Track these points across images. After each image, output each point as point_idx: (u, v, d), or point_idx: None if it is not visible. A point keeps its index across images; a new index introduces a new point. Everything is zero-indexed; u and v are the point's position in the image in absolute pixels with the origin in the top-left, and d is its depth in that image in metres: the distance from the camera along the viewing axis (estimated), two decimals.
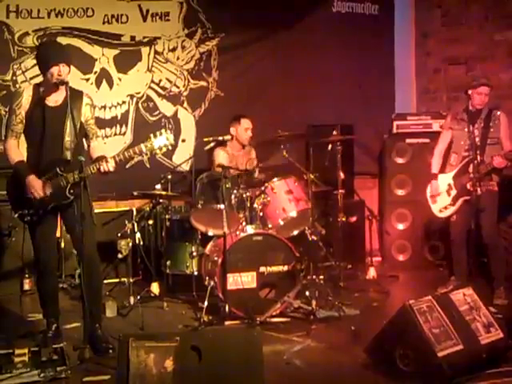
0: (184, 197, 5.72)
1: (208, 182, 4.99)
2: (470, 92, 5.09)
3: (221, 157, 5.58)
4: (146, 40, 6.26)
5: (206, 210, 4.95)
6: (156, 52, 6.31)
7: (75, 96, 4.04)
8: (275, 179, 5.06)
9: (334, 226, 5.75)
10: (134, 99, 6.27)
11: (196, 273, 5.24)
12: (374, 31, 7.11)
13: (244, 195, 4.95)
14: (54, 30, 5.90)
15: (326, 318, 4.67)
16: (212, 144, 5.81)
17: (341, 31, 6.99)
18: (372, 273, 6.02)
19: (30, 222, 4.03)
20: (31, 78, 5.69)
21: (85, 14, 5.99)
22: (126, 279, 5.47)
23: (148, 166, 6.26)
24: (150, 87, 6.33)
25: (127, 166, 5.97)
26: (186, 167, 6.10)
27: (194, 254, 5.22)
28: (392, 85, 7.31)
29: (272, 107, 6.55)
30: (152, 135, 3.99)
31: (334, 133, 5.53)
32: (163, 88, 6.37)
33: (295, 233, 5.15)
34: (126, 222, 5.39)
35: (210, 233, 5.05)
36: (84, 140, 4.18)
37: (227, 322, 4.51)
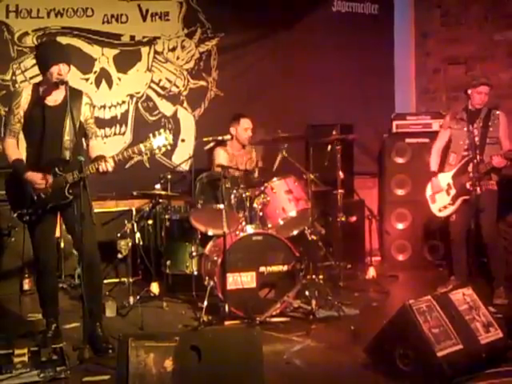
0: (184, 197, 5.70)
1: (208, 182, 4.98)
2: (469, 91, 5.08)
3: (221, 157, 5.58)
4: (145, 40, 6.26)
5: (205, 209, 4.95)
6: (156, 52, 6.31)
7: (75, 95, 4.04)
8: (275, 179, 5.05)
9: (334, 226, 5.74)
10: (134, 99, 6.27)
11: (196, 273, 5.23)
12: (374, 31, 7.11)
13: (244, 195, 4.95)
14: (53, 29, 5.90)
15: (325, 317, 4.67)
16: (212, 144, 5.81)
17: (341, 31, 6.99)
18: (372, 273, 6.02)
19: (29, 221, 4.03)
20: (31, 78, 5.68)
21: (84, 13, 5.99)
22: (125, 279, 5.46)
23: (148, 165, 6.25)
24: (149, 87, 6.33)
25: (127, 166, 5.98)
26: (185, 167, 6.08)
27: (194, 253, 5.21)
28: (392, 85, 7.32)
29: (272, 107, 6.53)
30: (151, 135, 3.98)
31: (334, 133, 5.53)
32: (163, 88, 6.37)
33: (295, 233, 5.14)
34: (126, 221, 5.39)
35: (210, 233, 5.05)
36: (83, 139, 4.17)
37: (227, 322, 4.50)
